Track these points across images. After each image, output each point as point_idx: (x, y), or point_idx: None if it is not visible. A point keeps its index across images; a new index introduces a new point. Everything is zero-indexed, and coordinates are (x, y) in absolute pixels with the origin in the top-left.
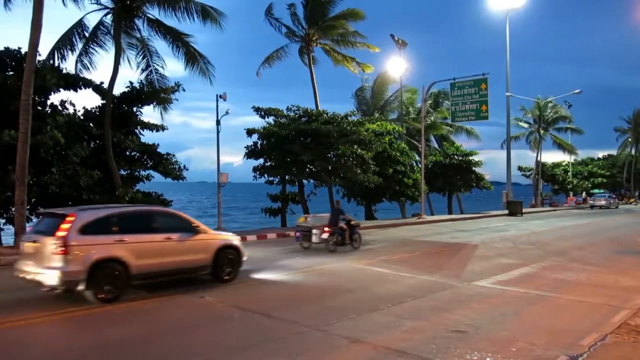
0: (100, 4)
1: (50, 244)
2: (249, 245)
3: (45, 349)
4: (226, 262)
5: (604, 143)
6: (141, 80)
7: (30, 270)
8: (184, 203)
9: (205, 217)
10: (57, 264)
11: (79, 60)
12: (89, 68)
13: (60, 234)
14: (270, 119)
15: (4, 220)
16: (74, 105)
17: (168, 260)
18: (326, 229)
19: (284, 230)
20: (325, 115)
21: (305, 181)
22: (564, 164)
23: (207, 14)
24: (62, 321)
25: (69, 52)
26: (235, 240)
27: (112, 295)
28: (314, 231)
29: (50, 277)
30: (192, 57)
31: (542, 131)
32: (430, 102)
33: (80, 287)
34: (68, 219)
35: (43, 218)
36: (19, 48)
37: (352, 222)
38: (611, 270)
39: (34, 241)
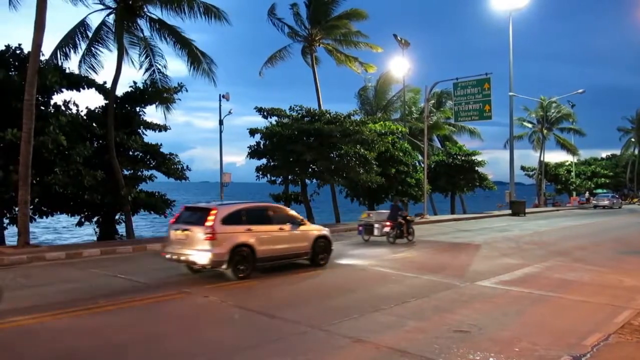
0: (103, 4)
1: (201, 232)
2: None
3: (48, 349)
4: (321, 250)
5: (607, 143)
6: (145, 81)
7: (183, 253)
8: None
9: None
10: (207, 247)
11: (82, 60)
12: (92, 68)
13: (208, 223)
14: (273, 119)
15: (7, 220)
16: (77, 105)
17: (281, 247)
18: (388, 223)
19: None
20: (328, 115)
21: (308, 181)
22: (567, 163)
23: (210, 13)
24: (66, 320)
25: (72, 52)
26: (326, 231)
27: (245, 273)
28: (376, 225)
29: (202, 258)
30: (195, 57)
31: (545, 131)
32: (433, 102)
33: (223, 267)
34: (212, 212)
35: (188, 211)
36: (20, 45)
37: (408, 218)
38: (615, 270)
39: (184, 230)
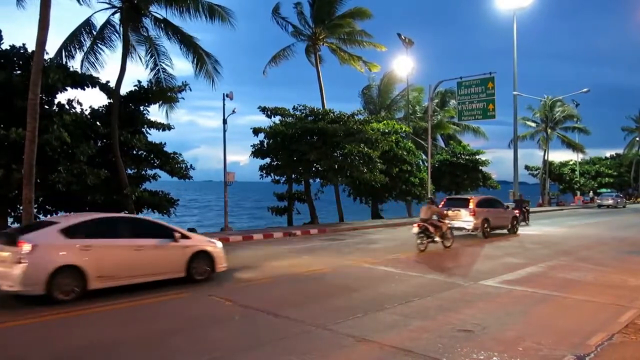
0: (108, 3)
1: (466, 211)
2: (254, 244)
3: (48, 348)
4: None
5: (611, 142)
6: (149, 80)
7: (455, 223)
8: (187, 201)
9: (209, 216)
10: (469, 219)
11: (86, 59)
12: (96, 67)
13: (470, 207)
14: (277, 118)
15: (11, 219)
16: (81, 104)
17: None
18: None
19: (290, 229)
20: (331, 114)
21: (311, 180)
22: (571, 163)
23: (215, 13)
24: (67, 320)
25: (77, 51)
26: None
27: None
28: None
29: (468, 226)
30: (200, 57)
31: (549, 130)
32: (437, 101)
33: (475, 232)
34: (471, 199)
35: (451, 200)
36: (24, 44)
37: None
38: (619, 270)
39: (454, 209)
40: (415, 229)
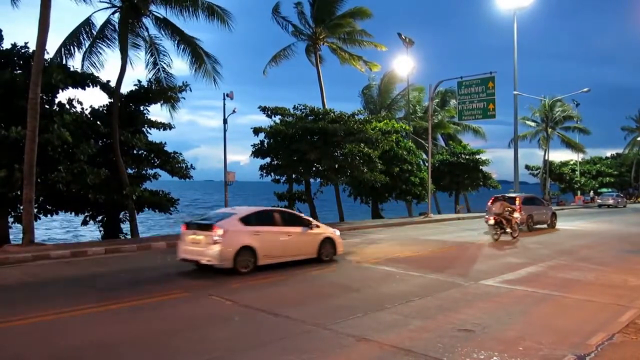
0: (108, 2)
1: (514, 208)
2: None
3: (50, 348)
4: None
5: (611, 142)
6: (149, 79)
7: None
8: (190, 201)
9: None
10: (516, 215)
11: (87, 58)
12: (96, 66)
13: (516, 204)
14: (277, 118)
15: (12, 219)
16: (81, 103)
17: None
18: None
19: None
20: (332, 114)
21: (311, 180)
22: (571, 162)
23: (214, 13)
24: (69, 319)
25: (77, 50)
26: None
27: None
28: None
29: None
30: (199, 57)
31: (549, 130)
32: (437, 100)
33: (521, 226)
34: (518, 197)
35: (498, 198)
36: (26, 43)
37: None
38: (619, 269)
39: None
40: (492, 221)
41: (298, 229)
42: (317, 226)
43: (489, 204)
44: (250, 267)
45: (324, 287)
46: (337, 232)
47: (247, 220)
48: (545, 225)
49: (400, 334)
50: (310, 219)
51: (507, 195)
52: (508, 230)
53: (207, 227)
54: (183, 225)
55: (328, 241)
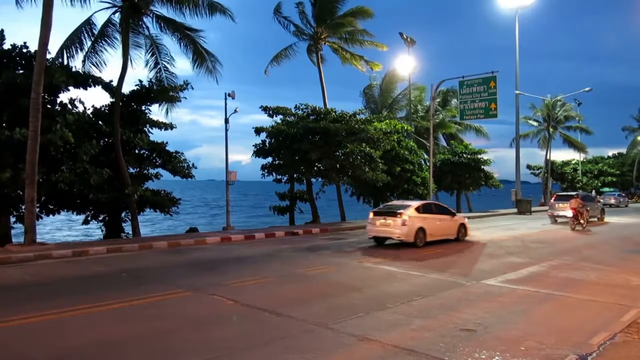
0: (109, 2)
1: (584, 204)
2: (257, 244)
3: (51, 347)
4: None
5: (613, 141)
6: (150, 79)
7: (561, 213)
8: (195, 201)
9: (212, 215)
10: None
11: (88, 58)
12: (97, 66)
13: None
14: (279, 118)
15: (14, 219)
16: (83, 103)
17: None
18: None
19: (292, 228)
20: (333, 113)
21: (313, 179)
22: (573, 162)
23: (215, 8)
24: (71, 318)
25: (78, 50)
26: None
27: None
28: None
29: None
30: (200, 56)
31: (551, 129)
32: (438, 100)
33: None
34: (577, 196)
35: (560, 197)
36: (25, 43)
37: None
38: (621, 269)
39: (563, 203)
40: (571, 213)
41: (446, 217)
42: (455, 215)
43: (553, 200)
44: (422, 243)
45: (326, 286)
46: (467, 220)
47: (418, 210)
48: (595, 219)
49: (402, 334)
50: (452, 209)
51: (565, 194)
52: (582, 221)
53: (395, 214)
54: (372, 212)
55: (462, 226)
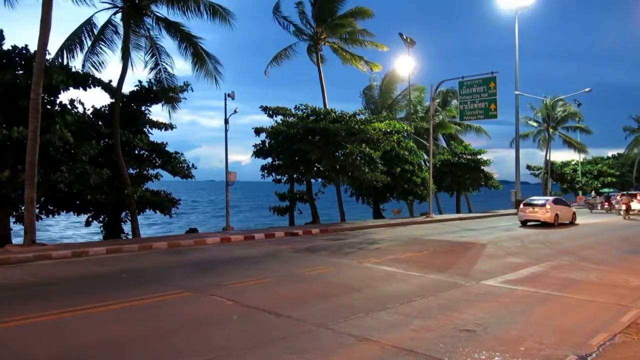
0: (110, 3)
1: (632, 200)
2: (256, 244)
3: (52, 347)
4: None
5: (613, 142)
6: (150, 80)
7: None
8: (190, 202)
9: (213, 215)
10: (623, 207)
11: (88, 59)
12: (97, 67)
13: (620, 198)
14: (278, 118)
15: (13, 219)
16: (83, 104)
17: None
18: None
19: (291, 229)
20: (333, 114)
21: (313, 180)
22: (573, 162)
23: (216, 12)
24: (71, 319)
25: (78, 50)
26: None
27: None
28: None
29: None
30: (200, 57)
31: (551, 130)
32: (438, 100)
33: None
34: (625, 194)
35: (624, 194)
36: (26, 45)
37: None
38: (621, 269)
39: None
40: (624, 207)
41: (566, 207)
42: (571, 206)
43: (592, 198)
44: (557, 223)
45: (326, 286)
46: (574, 209)
47: (553, 202)
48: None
49: (401, 334)
50: (570, 202)
51: (628, 192)
52: (630, 212)
53: (541, 205)
54: (522, 204)
55: (574, 214)
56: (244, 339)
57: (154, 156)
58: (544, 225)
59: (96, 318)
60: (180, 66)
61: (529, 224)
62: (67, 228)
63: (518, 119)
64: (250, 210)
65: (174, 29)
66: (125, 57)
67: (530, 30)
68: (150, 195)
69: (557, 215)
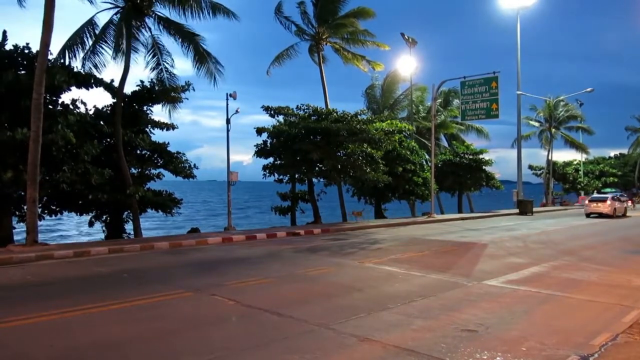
0: (111, 3)
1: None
2: (258, 244)
3: (52, 347)
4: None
5: (615, 142)
6: (152, 79)
7: None
8: (193, 202)
9: (214, 216)
10: None
11: (89, 58)
12: (98, 67)
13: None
14: (280, 118)
15: (16, 219)
16: (85, 103)
17: None
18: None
19: (293, 228)
20: (334, 113)
21: (314, 180)
22: (575, 162)
23: (218, 11)
24: (72, 318)
25: (80, 50)
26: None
27: None
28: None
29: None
30: (201, 57)
31: (553, 130)
32: (440, 100)
33: None
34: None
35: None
36: (28, 44)
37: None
38: (623, 269)
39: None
40: None
41: (620, 203)
42: (622, 201)
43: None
44: (615, 215)
45: (327, 287)
46: (625, 205)
47: (612, 198)
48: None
49: (403, 334)
50: (620, 197)
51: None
52: None
53: (603, 200)
54: (587, 200)
55: (625, 209)
56: (245, 339)
57: (155, 156)
58: (603, 216)
59: (97, 318)
60: (182, 66)
61: (591, 215)
62: (75, 228)
63: (520, 119)
64: (251, 210)
65: (175, 29)
66: (127, 57)
67: (532, 30)
68: (152, 195)
69: (615, 209)
